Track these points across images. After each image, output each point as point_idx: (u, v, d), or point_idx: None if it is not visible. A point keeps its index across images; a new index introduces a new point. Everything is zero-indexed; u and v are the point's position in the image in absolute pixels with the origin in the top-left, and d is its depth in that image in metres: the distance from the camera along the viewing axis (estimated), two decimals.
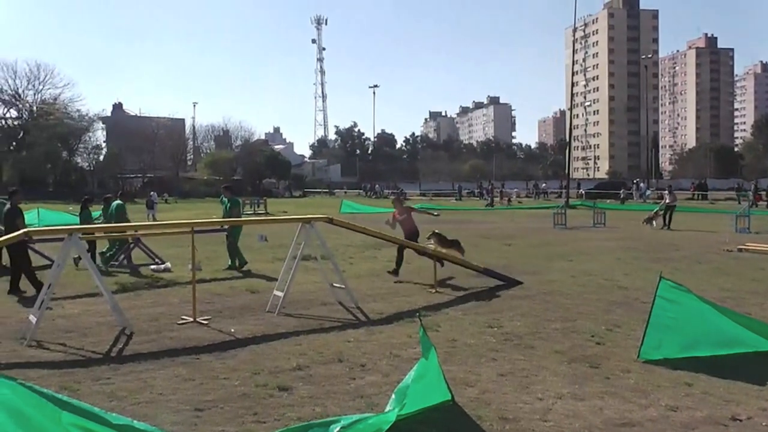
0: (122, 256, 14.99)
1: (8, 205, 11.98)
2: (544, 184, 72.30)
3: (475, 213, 38.62)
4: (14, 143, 76.49)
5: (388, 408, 5.28)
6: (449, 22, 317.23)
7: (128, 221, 15.37)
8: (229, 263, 14.13)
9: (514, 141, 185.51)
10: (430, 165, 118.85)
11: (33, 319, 8.12)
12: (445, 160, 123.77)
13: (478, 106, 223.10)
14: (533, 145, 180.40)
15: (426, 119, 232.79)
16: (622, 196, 52.19)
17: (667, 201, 25.23)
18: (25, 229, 9.93)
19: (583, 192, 59.20)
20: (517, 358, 7.08)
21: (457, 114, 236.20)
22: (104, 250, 15.19)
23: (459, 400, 5.63)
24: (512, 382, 6.24)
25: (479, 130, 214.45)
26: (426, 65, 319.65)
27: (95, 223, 15.58)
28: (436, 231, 13.48)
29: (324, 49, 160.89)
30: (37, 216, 26.25)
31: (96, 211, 17.29)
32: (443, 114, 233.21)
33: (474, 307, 9.86)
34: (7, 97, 77.31)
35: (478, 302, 10.25)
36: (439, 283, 11.34)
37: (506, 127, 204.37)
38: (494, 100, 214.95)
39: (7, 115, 79.17)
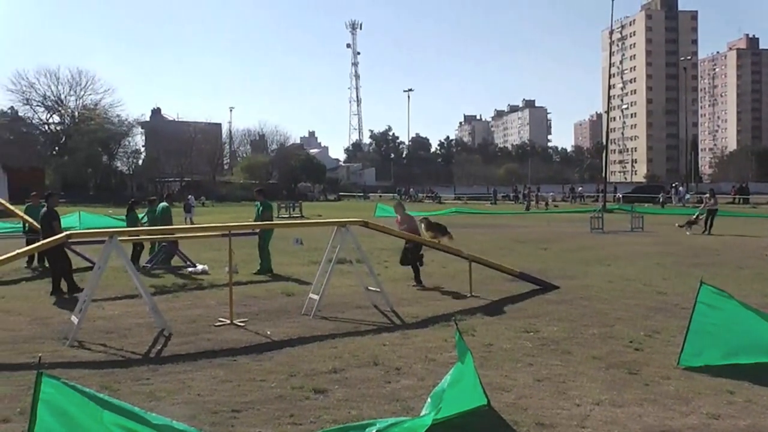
0: (161, 257, 15.20)
1: (45, 208, 12.21)
2: (580, 188, 71.50)
3: (511, 217, 38.34)
4: (57, 148, 78.25)
5: (423, 412, 5.26)
6: (484, 24, 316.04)
7: (173, 223, 15.59)
8: (259, 267, 14.18)
9: (549, 144, 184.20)
10: (465, 169, 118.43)
11: (75, 320, 8.29)
12: (480, 163, 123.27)
13: (514, 109, 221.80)
14: (569, 149, 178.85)
15: (460, 123, 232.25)
16: (661, 200, 51.32)
17: (708, 205, 24.75)
18: (66, 233, 10.14)
19: (620, 196, 58.33)
20: (553, 363, 7.00)
21: (492, 117, 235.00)
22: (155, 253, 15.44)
23: (495, 405, 5.59)
24: (549, 387, 6.18)
25: (514, 133, 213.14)
26: (461, 69, 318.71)
27: (141, 226, 15.81)
28: (427, 216, 13.24)
29: (359, 53, 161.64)
30: (78, 219, 26.80)
31: (140, 213, 17.57)
32: (478, 117, 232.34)
33: (510, 312, 9.79)
34: (50, 103, 79.19)
35: (514, 306, 10.17)
36: (475, 288, 11.27)
37: (542, 131, 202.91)
38: (530, 104, 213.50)
39: (50, 121, 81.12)
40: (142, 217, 17.15)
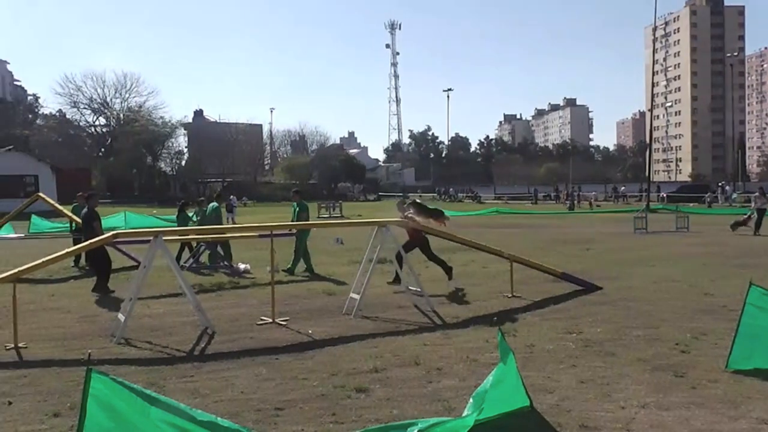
0: (198, 257, 15.42)
1: (86, 209, 12.44)
2: (623, 188, 70.35)
3: (552, 217, 37.96)
4: (103, 149, 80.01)
5: (465, 412, 5.24)
6: (524, 23, 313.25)
7: (222, 223, 15.79)
8: (289, 265, 14.27)
9: (591, 143, 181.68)
10: (505, 168, 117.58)
11: (122, 317, 8.47)
12: (520, 163, 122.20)
13: (554, 108, 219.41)
14: (611, 148, 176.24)
15: (500, 122, 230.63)
16: (707, 199, 50.22)
17: (758, 204, 24.11)
18: (113, 232, 10.36)
19: (665, 195, 57.23)
20: (597, 365, 6.91)
21: (533, 116, 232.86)
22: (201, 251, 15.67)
23: (538, 406, 5.54)
24: (593, 389, 6.10)
25: (555, 132, 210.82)
26: (500, 68, 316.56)
27: (192, 225, 16.05)
28: (416, 200, 12.93)
29: (398, 53, 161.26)
30: (123, 219, 27.36)
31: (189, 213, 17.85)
32: (518, 117, 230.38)
33: (552, 313, 9.69)
34: (96, 106, 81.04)
35: (556, 307, 10.07)
36: (516, 288, 11.19)
37: (583, 129, 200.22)
38: (571, 102, 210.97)
39: (97, 123, 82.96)
40: (192, 217, 17.42)
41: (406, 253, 11.89)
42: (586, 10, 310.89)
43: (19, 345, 7.93)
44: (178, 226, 15.73)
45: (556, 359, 7.14)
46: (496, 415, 5.07)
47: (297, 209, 14.90)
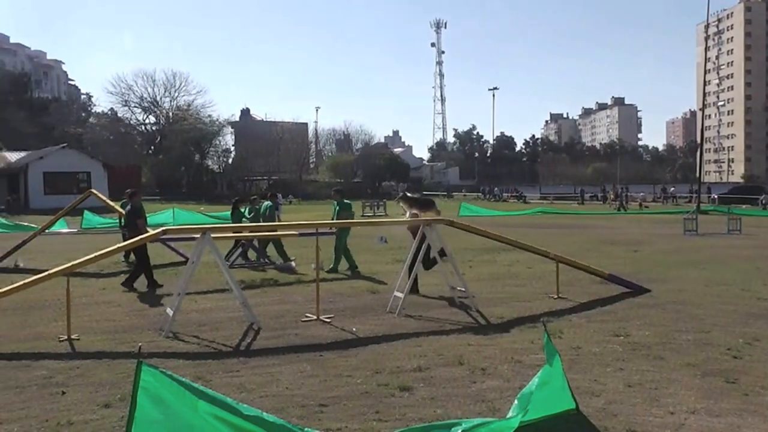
0: (240, 253, 15.60)
1: (130, 206, 12.66)
2: (672, 188, 68.86)
3: (599, 217, 37.35)
4: (152, 147, 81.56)
5: (510, 414, 5.20)
6: (571, 20, 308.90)
7: (276, 221, 15.94)
8: (331, 265, 14.34)
9: (639, 143, 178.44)
10: (551, 168, 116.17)
11: (170, 312, 8.63)
12: (567, 162, 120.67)
13: (602, 107, 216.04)
14: (660, 148, 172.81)
15: (546, 121, 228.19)
16: (762, 201, 48.77)
17: None
18: (162, 228, 10.55)
19: (716, 196, 55.76)
20: (645, 368, 6.78)
21: (579, 116, 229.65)
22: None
23: (584, 409, 5.46)
24: (641, 393, 5.99)
25: (603, 132, 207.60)
26: (547, 66, 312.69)
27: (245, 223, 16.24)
28: (406, 193, 12.59)
29: (443, 52, 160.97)
30: (172, 215, 27.85)
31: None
32: (565, 116, 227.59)
33: (598, 315, 9.54)
34: (146, 104, 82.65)
35: (603, 309, 9.91)
36: (561, 289, 11.05)
37: (631, 129, 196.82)
38: (619, 101, 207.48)
39: (147, 121, 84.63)
40: (244, 213, 17.62)
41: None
42: (636, 7, 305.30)
43: (72, 337, 8.16)
44: (232, 222, 15.96)
45: (602, 362, 7.03)
46: (542, 417, 5.01)
47: (338, 208, 14.93)
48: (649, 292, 11.21)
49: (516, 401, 5.38)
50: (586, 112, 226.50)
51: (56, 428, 5.24)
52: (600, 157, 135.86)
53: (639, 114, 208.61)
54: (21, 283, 8.62)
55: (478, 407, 5.64)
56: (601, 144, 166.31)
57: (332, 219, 14.95)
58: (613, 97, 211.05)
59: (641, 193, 60.62)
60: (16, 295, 8.97)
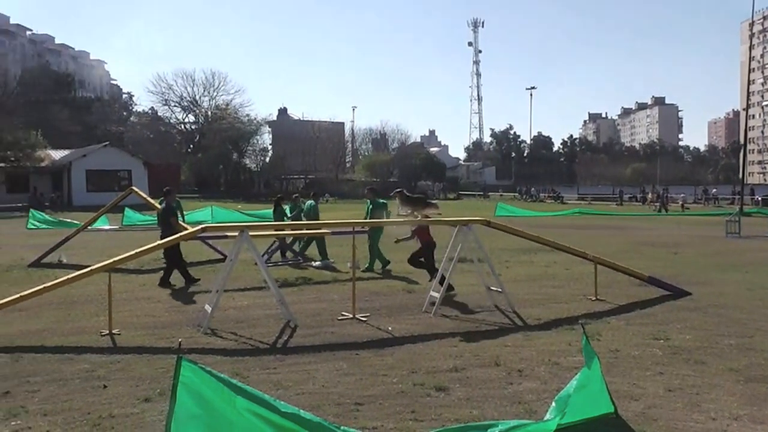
0: (275, 251, 15.71)
1: (164, 204, 12.82)
2: (714, 190, 67.46)
3: (639, 219, 36.79)
4: (191, 146, 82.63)
5: (547, 416, 5.15)
6: (610, 19, 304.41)
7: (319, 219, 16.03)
8: (367, 265, 14.35)
9: (680, 143, 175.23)
10: (589, 168, 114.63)
11: (208, 308, 8.75)
12: (605, 163, 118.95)
13: (642, 107, 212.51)
14: (702, 148, 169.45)
15: (585, 121, 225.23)
16: None
17: None
18: (201, 225, 10.70)
19: (759, 198, 54.48)
20: (686, 373, 6.66)
21: (619, 115, 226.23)
22: (301, 247, 15.94)
23: (623, 413, 5.40)
24: (681, 398, 5.88)
25: (642, 132, 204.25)
26: (585, 65, 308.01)
27: (287, 221, 16.38)
28: (402, 191, 12.27)
29: (480, 51, 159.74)
30: (210, 213, 28.22)
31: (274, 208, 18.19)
32: (603, 116, 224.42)
33: (638, 317, 9.40)
34: (186, 104, 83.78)
35: (643, 312, 9.75)
36: (600, 291, 10.91)
37: (672, 129, 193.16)
38: (659, 101, 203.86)
39: (186, 120, 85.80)
40: (286, 212, 17.75)
41: (427, 259, 11.69)
42: (677, 5, 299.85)
43: (114, 331, 8.33)
44: (275, 220, 16.11)
45: (642, 366, 6.93)
46: (580, 420, 4.97)
47: (371, 207, 14.90)
48: (689, 295, 11.00)
49: (553, 404, 5.33)
50: (626, 112, 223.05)
51: (98, 421, 5.34)
52: (639, 157, 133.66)
53: (680, 114, 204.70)
54: (65, 278, 8.82)
55: (515, 409, 5.60)
56: (640, 144, 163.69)
57: (365, 218, 14.94)
58: (653, 96, 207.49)
59: (681, 195, 59.53)
60: (59, 290, 9.20)
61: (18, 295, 8.47)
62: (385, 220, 11.77)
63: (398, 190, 12.13)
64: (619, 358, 7.24)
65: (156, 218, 17.46)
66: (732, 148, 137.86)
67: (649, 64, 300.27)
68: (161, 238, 12.01)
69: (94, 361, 7.09)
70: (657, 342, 7.94)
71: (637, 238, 22.39)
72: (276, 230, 13.96)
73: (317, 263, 14.85)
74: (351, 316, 9.31)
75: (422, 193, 12.27)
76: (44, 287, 8.68)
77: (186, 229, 12.73)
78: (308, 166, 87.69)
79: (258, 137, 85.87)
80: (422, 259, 11.96)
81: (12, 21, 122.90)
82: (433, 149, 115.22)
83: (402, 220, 11.28)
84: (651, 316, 9.46)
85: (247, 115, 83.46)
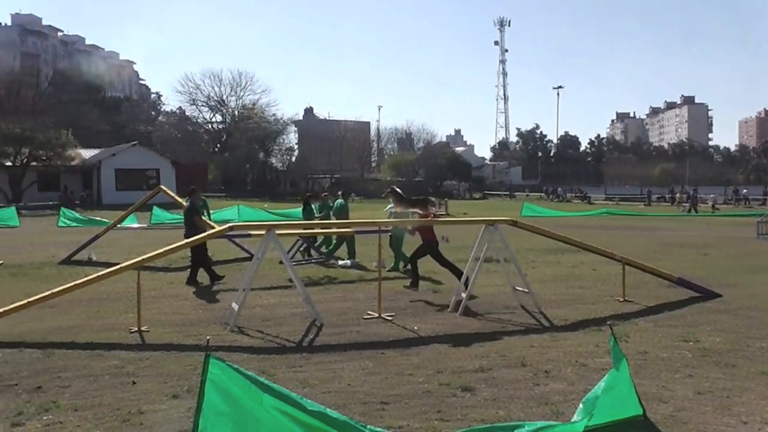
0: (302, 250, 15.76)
1: (188, 203, 12.92)
2: (744, 190, 66.39)
3: (667, 219, 36.36)
4: (218, 145, 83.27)
5: (575, 418, 5.11)
6: (638, 17, 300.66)
7: (349, 218, 16.07)
8: (392, 264, 14.33)
9: (710, 143, 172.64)
10: (617, 168, 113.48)
11: (235, 306, 8.81)
12: (633, 163, 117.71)
13: (671, 106, 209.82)
14: (733, 148, 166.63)
15: (612, 120, 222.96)
16: None
17: None
18: (229, 224, 10.79)
19: None
20: (716, 376, 6.56)
21: (647, 115, 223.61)
22: (331, 247, 16.01)
23: (651, 416, 5.34)
24: (711, 401, 5.80)
25: (671, 131, 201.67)
26: (613, 65, 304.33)
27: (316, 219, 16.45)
28: (394, 188, 11.98)
29: (507, 50, 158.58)
30: (237, 212, 28.43)
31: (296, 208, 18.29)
32: (631, 115, 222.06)
33: (666, 319, 9.29)
34: (213, 103, 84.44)
35: (672, 314, 9.64)
36: (628, 292, 10.79)
37: (702, 128, 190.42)
38: (689, 100, 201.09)
39: (213, 120, 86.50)
40: (314, 210, 17.84)
41: (428, 256, 11.54)
42: (706, 2, 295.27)
43: (142, 328, 8.43)
44: (304, 219, 16.22)
45: (671, 368, 6.84)
46: (607, 422, 4.93)
47: None
48: (719, 297, 10.85)
49: (581, 405, 5.29)
50: (654, 111, 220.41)
51: (127, 417, 5.41)
52: (668, 157, 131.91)
53: (710, 113, 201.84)
54: (94, 275, 8.95)
55: (542, 410, 5.57)
56: (669, 144, 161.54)
57: (388, 218, 14.88)
58: (682, 95, 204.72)
59: (711, 195, 58.69)
60: (89, 287, 9.33)
61: (49, 292, 8.60)
62: (407, 219, 11.70)
63: (390, 188, 12.01)
64: (647, 360, 7.16)
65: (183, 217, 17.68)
66: (763, 147, 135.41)
67: (679, 62, 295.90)
68: (185, 237, 12.14)
69: (123, 358, 7.18)
70: (686, 344, 7.84)
71: (666, 239, 22.12)
72: (303, 229, 14.01)
73: (343, 262, 14.89)
74: (377, 315, 9.32)
75: (419, 194, 11.99)
76: (75, 284, 8.81)
77: (212, 227, 12.84)
78: (334, 165, 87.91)
79: (284, 137, 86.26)
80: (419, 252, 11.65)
81: (44, 22, 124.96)
82: (459, 149, 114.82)
83: (425, 219, 11.18)
84: (680, 318, 9.35)
85: (274, 114, 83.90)
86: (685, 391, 6.07)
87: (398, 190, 11.81)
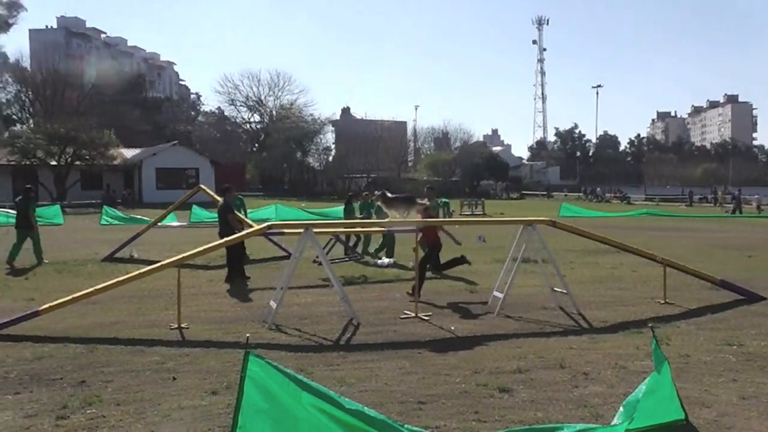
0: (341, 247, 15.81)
1: (223, 202, 13.06)
2: None
3: (710, 220, 35.62)
4: (256, 145, 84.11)
5: (615, 421, 5.05)
6: (680, 14, 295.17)
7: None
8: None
9: (754, 143, 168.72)
10: (657, 168, 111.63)
11: (273, 305, 8.89)
12: (674, 163, 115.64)
13: (713, 105, 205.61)
14: None
15: (653, 120, 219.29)
16: None
17: None
18: (267, 223, 10.88)
19: None
20: (761, 381, 6.41)
21: (689, 114, 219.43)
22: (378, 246, 16.08)
23: (693, 420, 5.24)
24: (756, 407, 5.66)
25: (714, 131, 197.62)
26: (654, 63, 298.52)
27: (358, 218, 16.54)
28: (384, 191, 11.65)
29: (545, 49, 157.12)
30: (274, 211, 28.67)
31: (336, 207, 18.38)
32: (672, 114, 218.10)
33: (709, 322, 9.10)
34: (251, 103, 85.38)
35: (714, 317, 9.44)
36: (669, 295, 10.60)
37: (745, 128, 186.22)
38: (732, 99, 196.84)
39: (251, 120, 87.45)
40: (355, 209, 17.92)
41: (430, 258, 11.41)
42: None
43: (182, 325, 8.55)
44: (345, 217, 16.30)
45: (714, 372, 6.70)
46: (648, 426, 4.86)
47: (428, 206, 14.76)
48: (764, 299, 10.58)
49: (621, 408, 5.22)
50: (696, 111, 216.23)
51: (167, 412, 5.50)
52: (710, 157, 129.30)
53: (754, 112, 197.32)
54: (136, 273, 9.11)
55: (581, 412, 5.50)
56: (711, 144, 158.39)
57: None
58: (725, 94, 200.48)
59: (756, 195, 57.32)
60: (131, 284, 9.50)
61: (92, 289, 8.78)
62: (443, 219, 11.62)
63: (379, 192, 11.84)
64: (689, 363, 7.03)
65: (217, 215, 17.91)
66: None
67: (722, 60, 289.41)
68: (219, 235, 12.30)
69: (164, 354, 7.29)
70: (730, 348, 7.68)
71: (709, 241, 21.68)
72: (341, 228, 14.07)
73: (381, 261, 14.91)
74: (413, 314, 9.32)
75: (402, 192, 11.78)
76: (117, 281, 8.98)
77: (249, 225, 12.98)
78: (370, 164, 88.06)
79: (321, 136, 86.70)
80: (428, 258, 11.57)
81: (88, 25, 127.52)
82: (496, 148, 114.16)
83: (453, 219, 11.12)
84: (723, 321, 9.16)
85: (311, 114, 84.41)
86: (728, 396, 5.94)
87: (388, 193, 11.63)
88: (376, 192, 12.29)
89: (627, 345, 7.75)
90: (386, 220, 11.60)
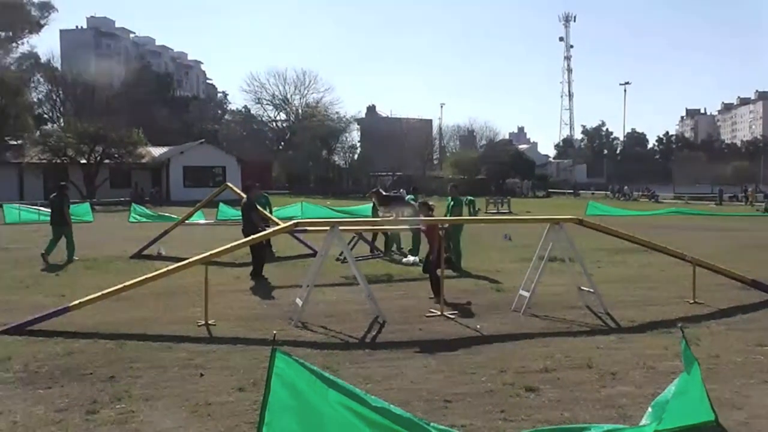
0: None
1: (246, 199, 13.12)
2: None
3: (741, 219, 35.02)
4: (282, 143, 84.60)
5: (643, 422, 5.00)
6: (709, 10, 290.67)
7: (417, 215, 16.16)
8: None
9: None
10: (686, 166, 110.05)
11: (299, 302, 8.94)
12: (703, 161, 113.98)
13: (744, 102, 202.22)
14: None
15: (682, 117, 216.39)
16: None
17: None
18: (294, 221, 10.94)
19: None
20: None
21: (719, 111, 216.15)
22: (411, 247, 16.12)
23: (724, 422, 5.16)
24: None
25: (744, 128, 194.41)
26: (683, 59, 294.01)
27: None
28: (378, 189, 11.49)
29: (572, 46, 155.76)
30: (300, 209, 28.81)
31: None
32: (702, 111, 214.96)
33: (740, 322, 8.96)
34: (277, 102, 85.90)
35: (745, 317, 9.30)
36: (698, 294, 10.45)
37: None
38: (763, 95, 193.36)
39: (278, 118, 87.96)
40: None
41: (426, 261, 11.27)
42: None
43: (210, 322, 8.63)
44: (373, 216, 16.39)
45: (745, 373, 6.60)
46: (678, 427, 4.80)
47: (452, 204, 14.73)
48: None
49: (650, 409, 5.17)
50: (726, 108, 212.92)
51: (195, 408, 5.55)
52: (741, 155, 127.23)
53: None
54: (164, 270, 9.22)
55: (608, 413, 5.46)
56: (742, 141, 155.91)
57: (445, 215, 14.78)
58: (756, 90, 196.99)
59: None
60: (159, 280, 9.61)
61: (121, 285, 8.91)
62: (466, 217, 11.48)
63: (374, 189, 11.84)
64: (719, 364, 6.93)
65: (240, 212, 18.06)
66: None
67: (753, 56, 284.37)
68: (243, 232, 12.39)
69: (191, 350, 7.37)
70: (762, 349, 7.55)
71: (740, 240, 21.34)
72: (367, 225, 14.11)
73: (406, 260, 14.90)
74: (439, 313, 9.31)
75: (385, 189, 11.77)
76: (145, 278, 9.10)
77: (276, 222, 13.04)
78: (396, 163, 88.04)
79: (347, 134, 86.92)
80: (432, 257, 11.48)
81: (117, 25, 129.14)
82: (522, 146, 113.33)
83: (479, 218, 11.05)
84: (755, 322, 9.01)
85: (337, 113, 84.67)
86: (760, 398, 5.85)
87: (381, 191, 11.58)
88: (372, 190, 12.27)
89: (655, 345, 7.66)
90: (413, 218, 11.55)
